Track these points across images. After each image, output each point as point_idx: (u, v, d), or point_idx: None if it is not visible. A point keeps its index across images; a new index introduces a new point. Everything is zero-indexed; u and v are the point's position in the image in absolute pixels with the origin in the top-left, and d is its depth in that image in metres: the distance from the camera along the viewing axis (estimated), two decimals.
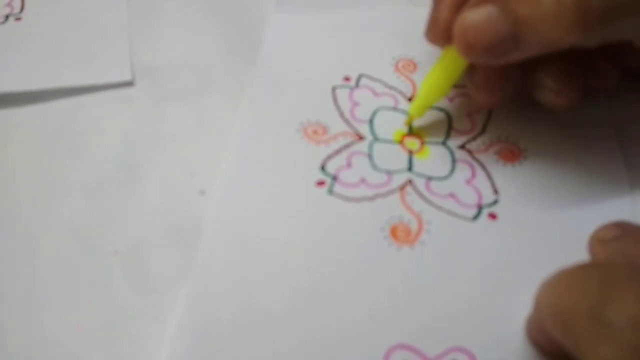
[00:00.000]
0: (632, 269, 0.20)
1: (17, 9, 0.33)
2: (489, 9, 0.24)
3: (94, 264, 0.25)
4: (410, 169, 0.28)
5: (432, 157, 0.28)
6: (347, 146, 0.28)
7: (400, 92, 0.31)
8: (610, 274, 0.19)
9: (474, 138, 0.29)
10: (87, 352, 0.22)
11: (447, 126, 0.29)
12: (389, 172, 0.27)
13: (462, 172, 0.28)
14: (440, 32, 0.27)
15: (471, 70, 0.27)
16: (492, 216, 0.26)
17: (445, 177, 0.27)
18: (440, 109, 0.30)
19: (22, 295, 0.24)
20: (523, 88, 0.27)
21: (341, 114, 0.29)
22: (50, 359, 0.22)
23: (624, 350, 0.17)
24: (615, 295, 0.18)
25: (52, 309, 0.23)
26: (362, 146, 0.28)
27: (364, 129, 0.29)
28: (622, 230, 0.24)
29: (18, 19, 0.33)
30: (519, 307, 0.23)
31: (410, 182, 0.27)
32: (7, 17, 0.32)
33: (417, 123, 0.29)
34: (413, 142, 0.29)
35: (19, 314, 0.23)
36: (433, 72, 0.28)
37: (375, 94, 0.30)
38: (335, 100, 0.30)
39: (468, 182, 0.27)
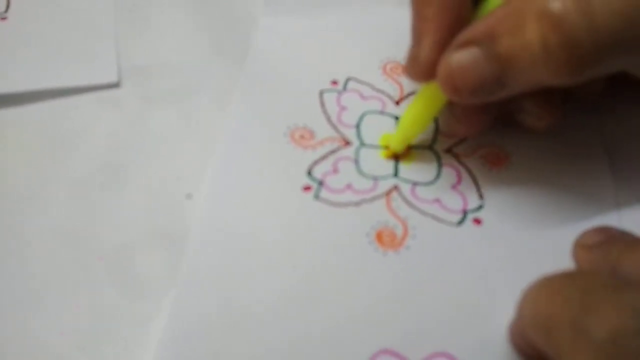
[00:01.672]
0: (614, 279, 0.20)
1: (2, 8, 0.33)
2: (474, 52, 0.23)
3: (79, 267, 0.25)
4: (396, 174, 0.28)
5: (418, 162, 0.28)
6: (333, 151, 0.28)
7: (388, 95, 0.31)
8: (592, 283, 0.19)
9: (461, 142, 0.29)
10: (71, 357, 0.22)
11: (433, 129, 0.29)
12: (375, 178, 0.27)
13: (448, 176, 0.28)
14: (422, 70, 0.26)
15: (451, 102, 0.26)
16: (477, 221, 0.26)
17: (431, 182, 0.28)
18: None
19: (5, 299, 0.24)
20: (504, 112, 0.27)
21: (328, 119, 0.29)
22: None
23: None
24: (596, 306, 0.18)
25: (37, 313, 0.23)
26: (349, 152, 0.28)
27: (351, 134, 0.29)
28: (606, 236, 0.24)
29: (3, 18, 0.32)
30: (503, 312, 0.23)
31: (396, 187, 0.27)
32: None
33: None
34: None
35: (1, 318, 0.23)
36: (414, 106, 0.27)
37: (363, 97, 0.31)
38: (322, 104, 0.30)
39: (453, 187, 0.27)
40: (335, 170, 0.28)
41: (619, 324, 0.17)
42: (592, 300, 0.18)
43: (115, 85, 0.30)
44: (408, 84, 0.31)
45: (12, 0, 0.33)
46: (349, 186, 0.27)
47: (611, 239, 0.23)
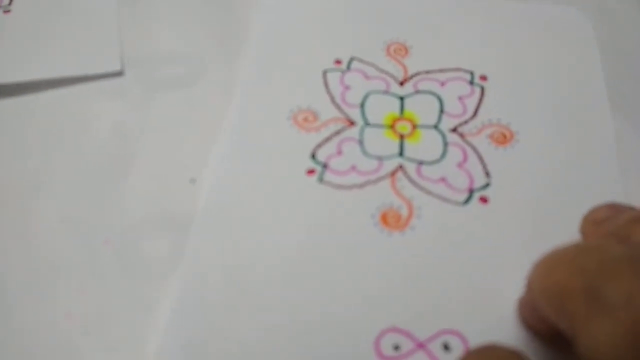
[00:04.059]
0: (628, 247, 0.19)
1: (5, 1, 0.33)
2: None
3: (86, 252, 0.25)
4: (401, 154, 0.27)
5: (424, 141, 0.28)
6: (337, 133, 0.28)
7: (392, 76, 0.30)
8: (607, 251, 0.19)
9: (466, 122, 0.29)
10: (79, 340, 0.23)
11: (438, 110, 0.29)
12: (380, 158, 0.27)
13: (454, 155, 0.28)
14: None
15: None
16: (484, 200, 0.26)
17: (436, 161, 0.27)
18: (432, 93, 0.30)
19: (13, 284, 0.24)
20: None
21: (332, 99, 0.29)
22: (42, 347, 0.23)
23: (618, 327, 0.17)
24: (611, 273, 0.18)
25: (44, 297, 0.24)
26: (353, 132, 0.28)
27: (355, 114, 0.29)
28: (615, 211, 0.24)
29: (7, 11, 0.32)
30: (510, 289, 0.23)
31: (401, 167, 0.27)
32: None
33: (409, 106, 0.29)
34: (404, 126, 0.29)
35: (9, 303, 0.24)
36: None
37: (367, 77, 0.30)
38: (326, 84, 0.30)
39: (459, 165, 0.27)
40: (340, 152, 0.27)
41: (636, 286, 0.17)
42: (607, 268, 0.18)
43: (119, 73, 0.30)
44: (412, 66, 0.31)
45: None
46: (353, 168, 0.27)
47: (620, 213, 0.23)
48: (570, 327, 0.18)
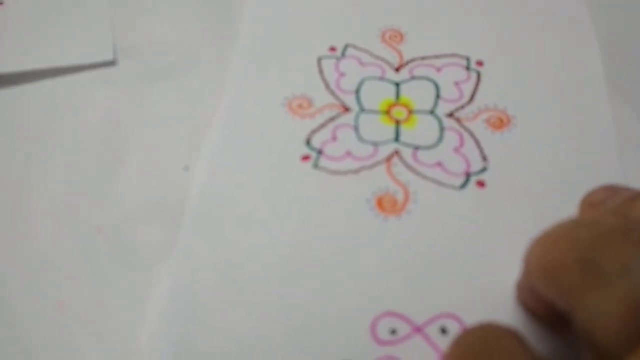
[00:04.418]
0: (622, 221, 0.19)
1: None
2: None
3: (78, 240, 0.24)
4: (397, 139, 0.27)
5: (420, 126, 0.28)
6: (332, 119, 0.28)
7: (388, 63, 0.30)
8: (601, 226, 0.18)
9: (463, 107, 0.28)
10: (71, 329, 0.22)
11: (435, 95, 0.29)
12: (375, 144, 0.27)
13: (450, 140, 0.27)
14: None
15: None
16: (481, 184, 0.26)
17: (432, 146, 0.27)
18: (428, 79, 0.29)
19: (3, 272, 0.24)
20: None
21: (327, 86, 0.29)
22: (32, 336, 0.22)
23: (615, 296, 0.16)
24: (606, 244, 0.17)
25: (36, 286, 0.23)
26: (348, 118, 0.28)
27: (350, 100, 0.29)
28: (612, 192, 0.23)
29: (0, 3, 0.32)
30: (508, 272, 0.23)
31: (396, 152, 0.27)
32: None
33: (405, 92, 0.29)
34: (400, 112, 0.28)
35: (0, 291, 0.23)
36: None
37: (362, 63, 0.30)
38: (320, 71, 0.30)
39: (456, 150, 0.27)
40: (334, 138, 0.27)
41: (632, 255, 0.17)
42: (603, 240, 0.17)
43: (111, 63, 0.30)
44: (408, 52, 0.31)
45: None
46: (348, 153, 0.27)
47: (617, 194, 0.23)
48: (566, 302, 0.18)
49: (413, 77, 0.29)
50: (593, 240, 0.18)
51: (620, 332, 0.16)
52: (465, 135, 0.27)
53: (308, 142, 0.27)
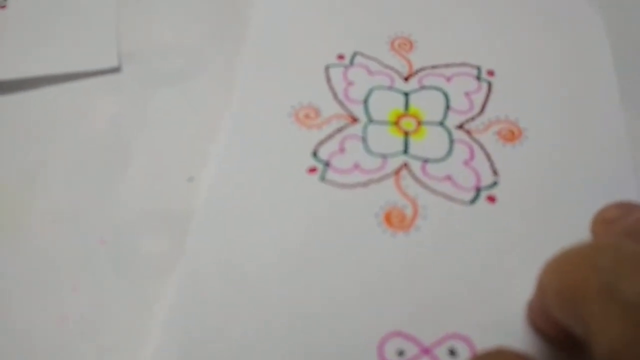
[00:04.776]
0: None
1: None
2: None
3: (80, 251, 0.24)
4: (406, 151, 0.27)
5: (429, 138, 0.27)
6: (340, 130, 0.27)
7: (397, 72, 0.30)
8: (621, 249, 0.18)
9: (473, 118, 0.28)
10: (73, 341, 0.22)
11: (444, 106, 0.28)
12: (384, 156, 0.26)
13: (460, 153, 0.27)
14: None
15: None
16: (491, 199, 0.25)
17: (442, 159, 0.26)
18: (438, 89, 0.29)
19: (6, 282, 0.23)
20: None
21: (335, 95, 0.28)
22: (35, 348, 0.22)
23: (638, 325, 0.16)
24: (628, 272, 0.17)
25: (38, 296, 0.23)
26: (356, 129, 0.27)
27: (358, 111, 0.28)
28: (626, 210, 0.23)
29: (2, 6, 0.32)
30: (519, 291, 0.22)
31: (405, 165, 0.26)
32: None
33: (414, 102, 0.28)
34: (409, 123, 0.28)
35: (3, 302, 0.23)
36: None
37: (370, 72, 0.29)
38: (328, 79, 0.29)
39: (466, 163, 0.26)
40: (342, 150, 0.27)
41: None
42: (625, 267, 0.17)
43: (116, 69, 0.30)
44: (417, 61, 0.30)
45: None
46: (356, 166, 0.26)
47: (631, 212, 0.22)
48: (584, 328, 0.17)
49: (423, 87, 0.29)
50: (615, 267, 0.17)
51: None
52: (476, 147, 0.27)
53: (315, 154, 0.26)
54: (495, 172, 0.26)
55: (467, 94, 0.29)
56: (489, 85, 0.29)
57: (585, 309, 0.17)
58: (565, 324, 0.18)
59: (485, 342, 0.22)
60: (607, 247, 0.18)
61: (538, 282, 0.20)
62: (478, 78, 0.29)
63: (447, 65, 0.30)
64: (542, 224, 0.25)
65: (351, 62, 0.30)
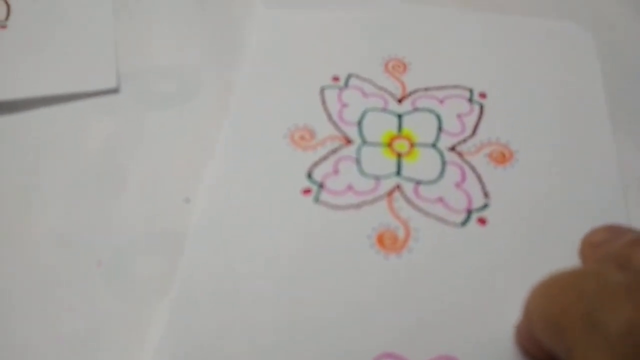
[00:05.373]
0: (626, 273, 0.19)
1: (2, 16, 0.33)
2: None
3: (76, 272, 0.24)
4: (398, 173, 0.27)
5: (422, 160, 0.28)
6: (334, 151, 0.28)
7: (390, 94, 0.30)
8: (605, 279, 0.18)
9: (465, 140, 0.28)
10: None
11: (437, 128, 0.29)
12: (377, 178, 0.27)
13: (452, 175, 0.27)
14: None
15: None
16: (482, 221, 0.26)
17: (434, 181, 0.27)
18: (431, 111, 0.29)
19: (3, 304, 0.24)
20: None
21: (329, 117, 0.29)
22: None
23: (618, 356, 0.16)
24: (611, 301, 0.17)
25: (34, 320, 0.23)
26: (350, 150, 0.28)
27: (353, 132, 0.28)
28: (613, 233, 0.23)
29: (3, 27, 0.32)
30: (508, 314, 0.23)
31: (398, 187, 0.27)
32: None
33: (407, 124, 0.29)
34: (402, 145, 0.28)
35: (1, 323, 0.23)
36: None
37: (365, 94, 0.30)
38: (323, 101, 0.30)
39: (457, 185, 0.27)
40: (336, 171, 0.27)
41: (635, 316, 0.17)
42: (607, 296, 0.18)
43: (114, 90, 0.30)
44: (411, 83, 0.31)
45: (12, 8, 0.33)
46: (349, 187, 0.27)
47: (618, 235, 0.23)
48: (567, 355, 0.18)
49: (416, 109, 0.29)
50: (598, 296, 0.17)
51: None
52: (467, 170, 0.27)
53: (309, 175, 0.27)
54: (486, 195, 0.27)
55: (459, 116, 0.29)
56: (481, 107, 0.30)
57: (568, 336, 0.18)
58: (550, 348, 0.19)
59: None
60: (591, 274, 0.19)
61: (525, 306, 0.21)
62: (470, 100, 0.30)
63: (439, 88, 0.30)
64: (531, 247, 0.25)
65: (346, 84, 0.30)
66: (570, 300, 0.18)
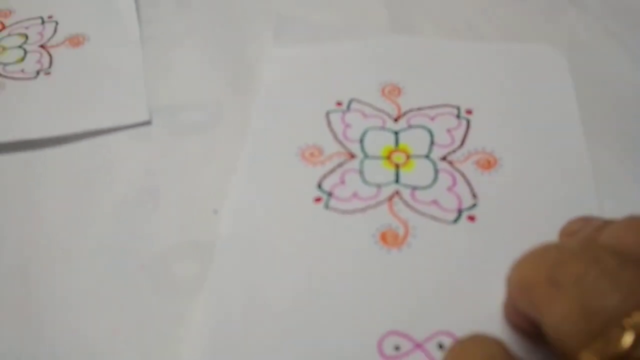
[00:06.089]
0: (583, 243, 0.23)
1: (46, 64, 0.37)
2: None
3: (124, 276, 0.28)
4: (397, 181, 0.31)
5: (417, 169, 0.32)
6: (340, 165, 0.32)
7: (387, 114, 0.34)
8: (564, 247, 0.22)
9: (454, 151, 0.32)
10: (121, 352, 0.26)
11: (429, 141, 0.33)
12: (379, 186, 0.31)
13: (444, 180, 0.31)
14: None
15: None
16: (471, 218, 0.30)
17: (428, 186, 0.31)
18: (424, 127, 0.33)
19: (63, 306, 0.28)
20: None
21: (335, 136, 0.33)
22: (92, 357, 0.26)
23: (571, 305, 0.20)
24: (565, 262, 0.21)
25: (91, 316, 0.27)
26: (354, 164, 0.32)
27: (356, 148, 0.33)
28: (586, 223, 0.27)
29: (47, 73, 0.37)
30: (495, 295, 0.26)
31: (397, 193, 0.31)
32: (37, 72, 0.37)
33: (403, 140, 0.33)
34: (400, 157, 0.32)
35: (60, 322, 0.27)
36: None
37: (365, 115, 0.34)
38: (329, 123, 0.34)
39: (449, 189, 0.31)
40: (342, 182, 0.31)
41: (582, 271, 0.20)
42: (563, 259, 0.21)
43: (147, 122, 0.34)
44: (405, 104, 0.35)
45: (54, 57, 0.38)
46: (355, 195, 0.31)
47: (589, 222, 0.26)
48: (537, 313, 0.21)
49: (410, 126, 0.34)
50: (557, 259, 0.21)
51: (574, 333, 0.19)
52: (457, 175, 0.31)
53: (319, 186, 0.31)
54: (474, 196, 0.30)
55: (449, 130, 0.33)
56: (468, 122, 0.34)
57: (536, 297, 0.21)
58: (526, 312, 0.22)
59: None
60: (554, 246, 0.22)
61: (506, 279, 0.24)
62: (458, 116, 0.34)
63: (431, 107, 0.34)
64: (515, 239, 0.28)
65: (348, 108, 0.35)
66: (537, 267, 0.22)
